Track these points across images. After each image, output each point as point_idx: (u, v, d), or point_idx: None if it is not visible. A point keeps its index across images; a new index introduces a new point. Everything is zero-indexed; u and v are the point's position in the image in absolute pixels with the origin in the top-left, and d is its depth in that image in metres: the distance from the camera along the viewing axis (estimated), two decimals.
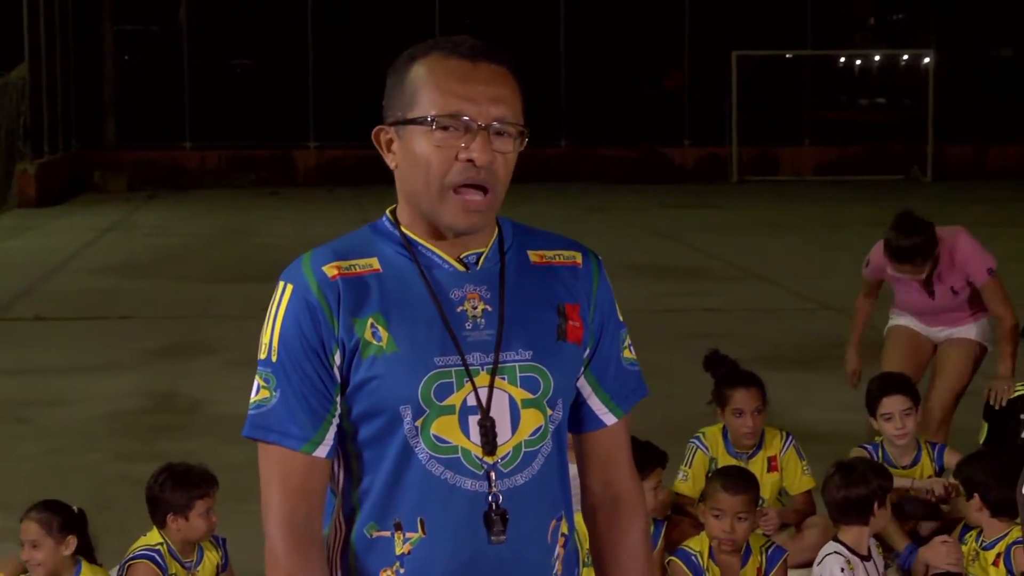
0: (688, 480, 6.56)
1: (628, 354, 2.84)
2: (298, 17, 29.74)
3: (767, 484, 6.51)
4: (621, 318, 2.84)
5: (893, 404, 6.59)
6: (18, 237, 20.10)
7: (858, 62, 36.05)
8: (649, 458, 5.84)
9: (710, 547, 5.69)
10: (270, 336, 2.66)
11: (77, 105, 28.38)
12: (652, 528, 5.82)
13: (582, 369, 2.77)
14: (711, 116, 29.79)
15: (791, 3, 31.13)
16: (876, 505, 5.69)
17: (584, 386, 2.79)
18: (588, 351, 2.77)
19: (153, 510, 5.55)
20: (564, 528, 2.76)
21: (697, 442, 6.65)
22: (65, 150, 27.32)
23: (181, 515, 5.47)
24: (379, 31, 28.87)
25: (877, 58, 35.63)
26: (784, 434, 6.69)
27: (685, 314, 13.20)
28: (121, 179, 27.62)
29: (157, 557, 5.45)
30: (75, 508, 5.54)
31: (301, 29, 29.75)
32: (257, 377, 2.67)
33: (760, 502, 6.09)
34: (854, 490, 5.67)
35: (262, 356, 2.67)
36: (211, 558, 5.60)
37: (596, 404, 2.80)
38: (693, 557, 5.69)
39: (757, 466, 6.52)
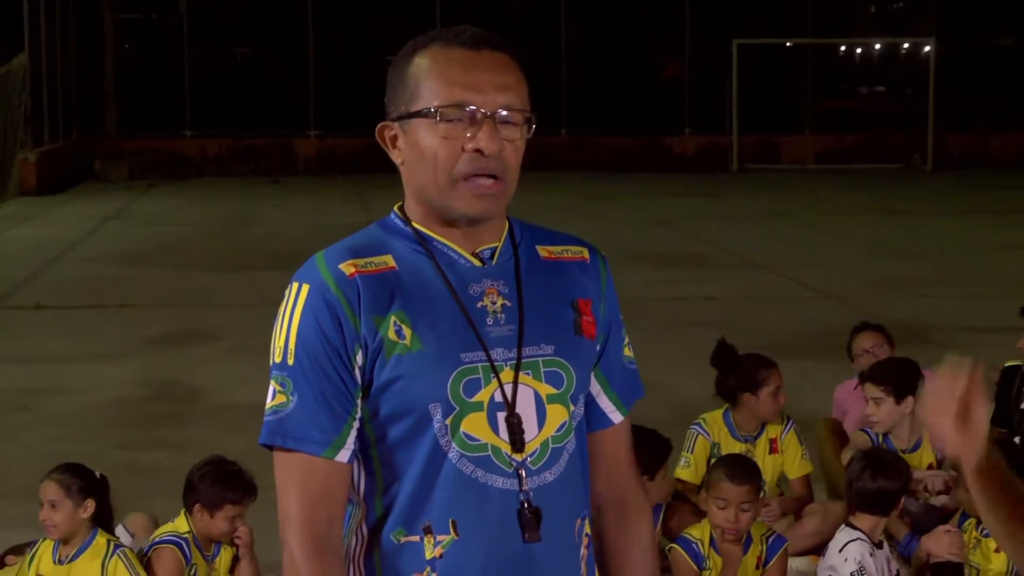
0: (690, 466, 6.57)
1: (628, 353, 2.82)
2: (298, 5, 29.71)
3: (769, 467, 6.54)
4: (622, 317, 2.81)
5: (867, 390, 6.68)
6: (19, 226, 20.09)
7: (859, 51, 36.05)
8: (659, 448, 5.86)
9: (711, 535, 5.70)
10: (285, 338, 2.58)
11: (77, 94, 28.34)
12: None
13: (595, 366, 2.74)
14: (712, 105, 29.77)
15: None
16: (903, 498, 5.76)
17: (593, 384, 2.75)
18: (599, 347, 2.74)
19: (186, 494, 5.58)
20: (587, 528, 2.72)
21: (698, 428, 6.66)
22: (66, 139, 27.29)
23: (208, 510, 5.49)
24: (379, 19, 28.85)
25: (878, 47, 35.62)
26: (785, 417, 6.72)
27: (685, 302, 13.20)
28: (122, 168, 27.61)
29: (184, 545, 5.48)
30: (97, 473, 5.55)
31: (301, 17, 29.72)
32: (272, 382, 2.60)
33: (762, 484, 6.12)
34: (888, 482, 5.69)
35: (277, 360, 2.59)
36: (228, 551, 5.63)
37: (605, 403, 2.77)
38: (694, 545, 5.69)
39: (760, 449, 6.57)
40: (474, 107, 2.55)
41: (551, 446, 2.62)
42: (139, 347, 11.32)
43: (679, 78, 30.79)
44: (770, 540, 5.79)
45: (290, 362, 2.57)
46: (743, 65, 29.10)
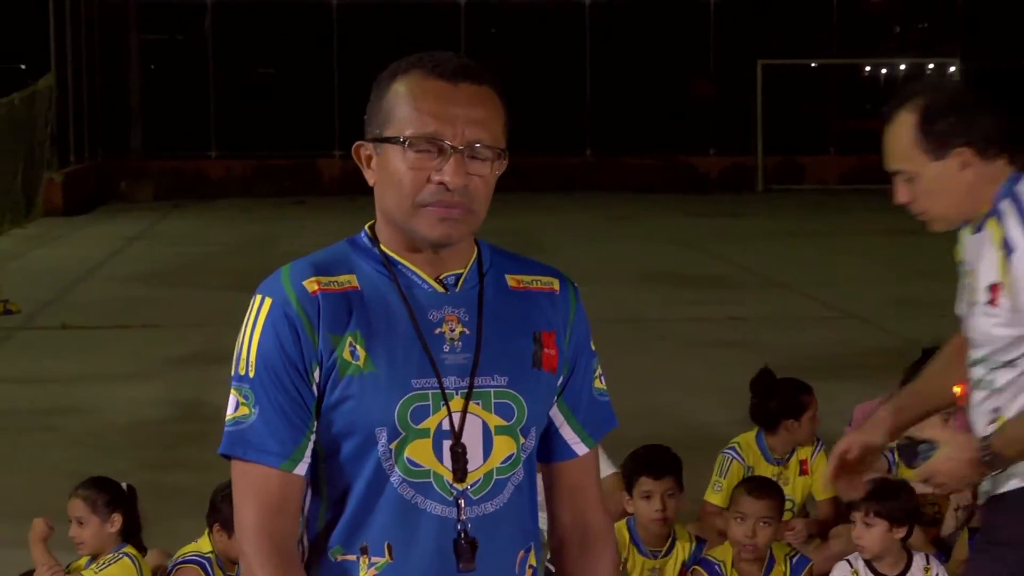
0: (722, 491, 6.51)
1: (599, 384, 2.81)
2: (323, 26, 29.79)
3: (799, 487, 6.53)
4: (594, 347, 2.80)
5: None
6: (44, 246, 20.17)
7: (883, 71, 35.97)
8: (667, 463, 5.84)
9: (733, 557, 5.69)
10: (247, 351, 2.61)
11: (103, 114, 28.48)
12: (694, 546, 5.82)
13: (555, 398, 2.73)
14: (736, 125, 29.76)
15: (816, 12, 31.10)
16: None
17: (556, 415, 2.75)
18: (562, 379, 2.73)
19: (209, 513, 5.58)
20: (532, 560, 2.72)
21: (732, 452, 6.59)
22: (91, 159, 27.42)
23: (226, 531, 5.49)
24: (404, 40, 28.89)
25: (902, 67, 35.53)
26: (815, 439, 6.70)
27: (708, 323, 13.18)
28: (147, 188, 27.70)
29: (207, 565, 5.48)
30: (124, 485, 5.57)
31: (326, 38, 29.80)
32: (234, 393, 2.62)
33: (791, 504, 6.09)
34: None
35: (240, 372, 2.62)
36: None
37: (568, 433, 2.77)
38: (716, 566, 5.68)
39: (792, 470, 6.55)
40: (443, 140, 2.57)
41: (495, 477, 2.63)
42: (164, 367, 11.34)
43: (704, 98, 30.79)
44: (794, 560, 5.78)
45: (251, 375, 2.60)
46: (768, 85, 29.09)
